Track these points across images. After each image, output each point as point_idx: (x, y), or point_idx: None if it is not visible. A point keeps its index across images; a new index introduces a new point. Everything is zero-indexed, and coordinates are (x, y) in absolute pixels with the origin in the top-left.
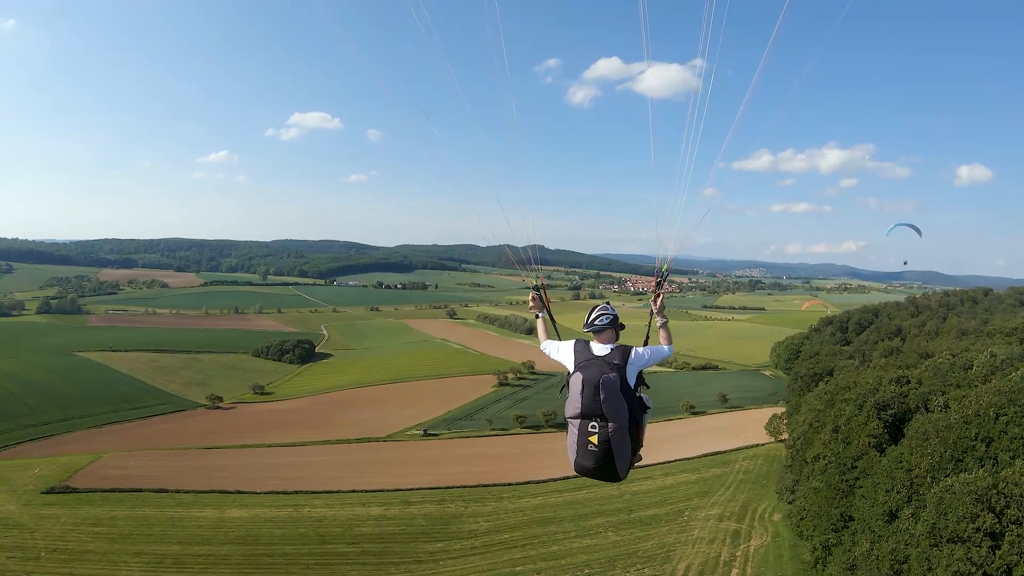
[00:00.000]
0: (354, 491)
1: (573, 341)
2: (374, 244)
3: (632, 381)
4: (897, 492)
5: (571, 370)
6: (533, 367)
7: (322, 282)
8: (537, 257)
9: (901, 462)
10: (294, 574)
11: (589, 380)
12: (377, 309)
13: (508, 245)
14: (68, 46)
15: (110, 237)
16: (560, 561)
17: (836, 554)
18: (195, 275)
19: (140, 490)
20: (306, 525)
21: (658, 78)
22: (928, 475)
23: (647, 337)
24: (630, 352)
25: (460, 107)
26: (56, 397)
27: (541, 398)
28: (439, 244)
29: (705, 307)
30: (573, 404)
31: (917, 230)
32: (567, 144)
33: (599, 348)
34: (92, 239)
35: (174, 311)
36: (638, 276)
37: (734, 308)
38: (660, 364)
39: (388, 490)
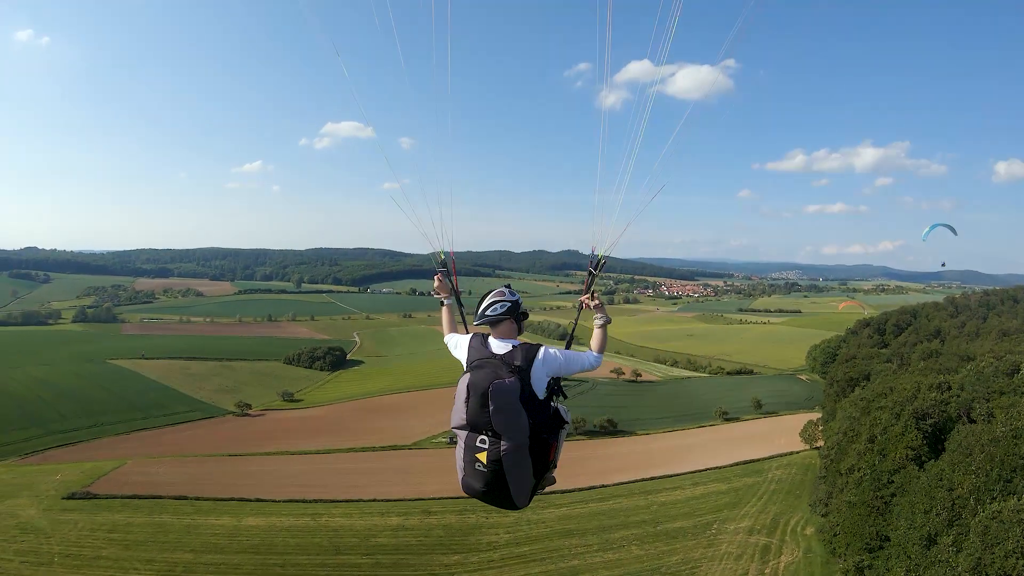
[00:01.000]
0: (374, 500)
1: (470, 336)
2: (408, 251)
3: (540, 390)
4: (937, 515)
5: (464, 367)
6: None
7: (356, 289)
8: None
9: (942, 480)
10: None
11: (476, 385)
12: (410, 316)
13: (542, 250)
14: (101, 61)
15: (146, 247)
16: None
17: (871, 573)
18: (230, 284)
19: (160, 497)
20: (322, 535)
21: (689, 79)
22: (972, 497)
23: (569, 341)
24: (536, 352)
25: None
26: (86, 403)
27: (571, 404)
28: (473, 251)
29: (740, 310)
30: (458, 412)
31: (952, 229)
32: (597, 149)
33: (497, 345)
34: (129, 249)
35: (208, 319)
36: (672, 280)
37: (770, 311)
38: (691, 370)
39: (409, 499)
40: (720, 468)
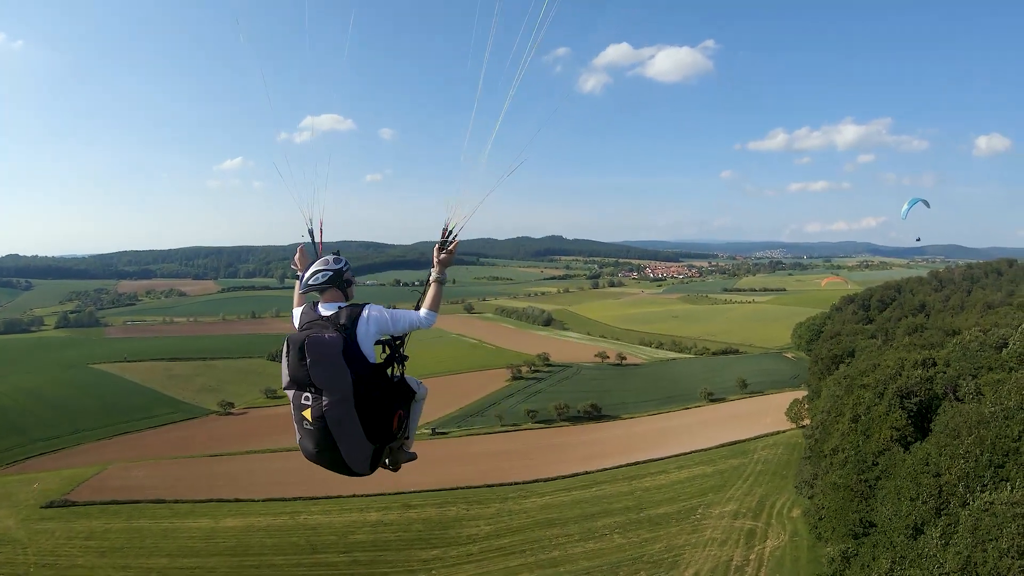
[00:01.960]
0: (354, 495)
1: (304, 305)
2: (391, 243)
3: (367, 348)
4: (923, 502)
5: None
6: (548, 359)
7: None
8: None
9: (928, 464)
10: None
11: (294, 340)
12: (394, 307)
13: (526, 236)
14: (76, 64)
15: (128, 249)
16: (559, 569)
17: (855, 566)
18: (213, 282)
19: (138, 501)
20: (299, 533)
21: (669, 62)
22: (961, 483)
23: (419, 302)
24: (361, 310)
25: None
26: (68, 410)
27: (555, 391)
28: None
29: (725, 290)
30: (283, 371)
31: (926, 203)
32: (580, 133)
33: (324, 308)
34: (110, 252)
35: (191, 319)
36: (657, 262)
37: (755, 290)
38: (676, 351)
39: (389, 493)
40: (705, 450)
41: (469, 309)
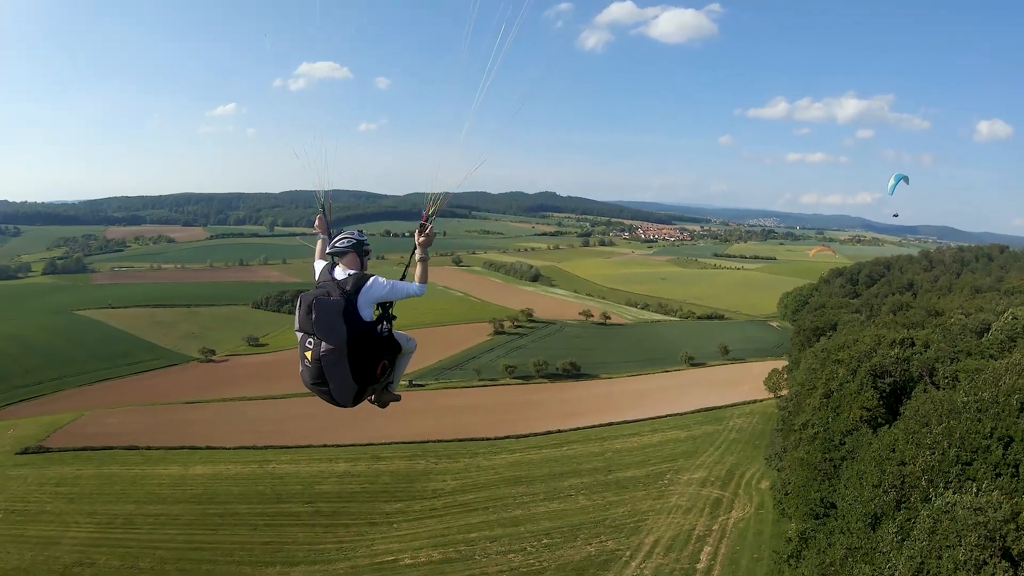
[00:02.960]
0: (325, 445)
1: (325, 262)
2: (384, 193)
3: (365, 311)
4: (885, 491)
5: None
6: (532, 315)
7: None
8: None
9: (894, 450)
10: (240, 535)
11: (306, 298)
12: (383, 257)
13: (519, 192)
14: (61, 7)
15: (119, 195)
16: (519, 528)
17: (811, 549)
18: (202, 229)
19: (111, 448)
20: (266, 482)
21: (673, 23)
22: (924, 477)
23: (404, 273)
24: (366, 280)
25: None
26: (51, 356)
27: (536, 347)
28: (449, 191)
29: (716, 255)
30: (296, 318)
31: (906, 179)
32: (580, 91)
33: (339, 272)
34: (100, 198)
35: (179, 265)
36: (649, 223)
37: (745, 257)
38: (662, 313)
39: (360, 444)
40: (680, 415)
41: (457, 262)
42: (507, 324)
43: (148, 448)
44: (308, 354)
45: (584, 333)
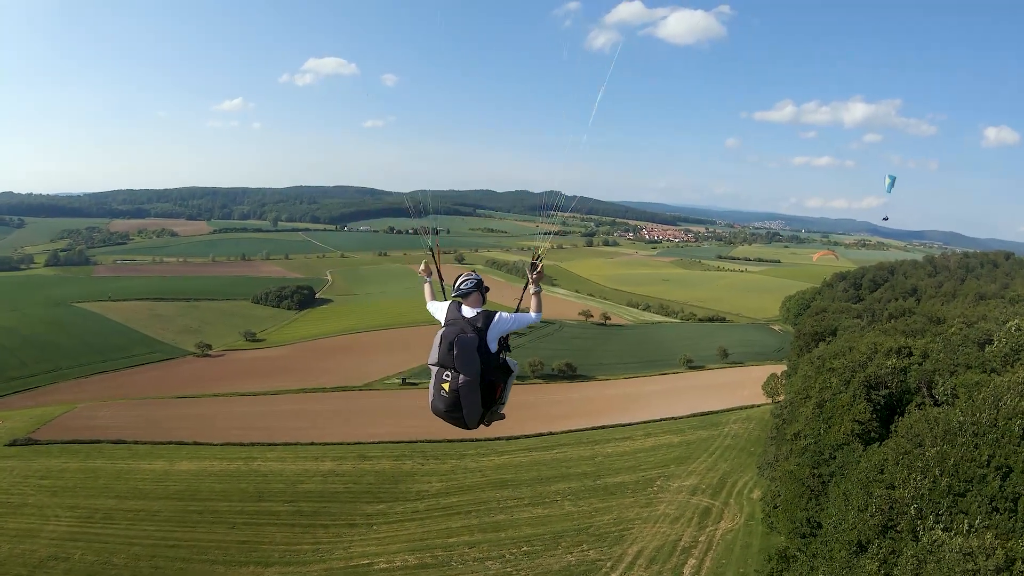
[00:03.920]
0: (312, 443)
1: (449, 302)
2: (389, 190)
3: (492, 344)
4: (871, 516)
5: (442, 325)
6: None
7: (333, 227)
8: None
9: (883, 472)
10: (217, 534)
11: (447, 336)
12: (385, 254)
13: (525, 190)
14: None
15: (123, 188)
16: (500, 534)
17: (794, 572)
18: (205, 223)
19: (99, 441)
20: (249, 480)
21: (682, 24)
22: (913, 505)
23: (519, 303)
24: (493, 316)
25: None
26: (48, 349)
27: (534, 347)
28: (455, 189)
29: (719, 257)
30: (432, 353)
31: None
32: (587, 91)
33: (467, 311)
34: (106, 191)
35: (181, 259)
36: (654, 224)
37: (749, 260)
38: (663, 315)
39: (348, 443)
40: (675, 419)
41: (460, 260)
42: None
43: (135, 442)
44: (446, 386)
45: (583, 333)
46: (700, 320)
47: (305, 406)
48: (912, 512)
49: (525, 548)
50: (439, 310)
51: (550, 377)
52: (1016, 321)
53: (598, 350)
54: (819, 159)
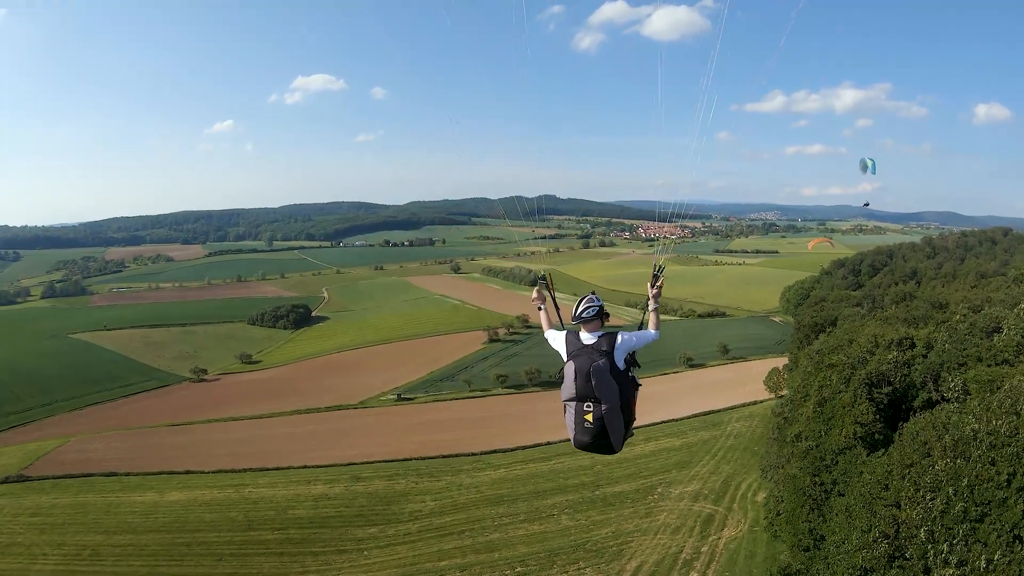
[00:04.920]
0: (305, 466)
1: (565, 332)
2: (383, 203)
3: (621, 364)
4: (875, 540)
5: (564, 359)
6: (527, 320)
7: (328, 244)
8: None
9: (888, 488)
10: (204, 567)
11: (580, 369)
12: (381, 268)
13: (519, 195)
14: (60, 31)
15: (118, 216)
16: (494, 554)
17: None
18: (201, 246)
19: (91, 475)
20: (239, 508)
21: (666, 20)
22: (923, 527)
23: (641, 323)
24: (616, 338)
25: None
26: (43, 381)
27: (530, 354)
28: (449, 199)
29: (717, 251)
30: (568, 389)
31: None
32: (576, 93)
33: (587, 337)
34: (100, 220)
35: (177, 284)
36: (649, 222)
37: (747, 252)
38: (662, 313)
39: (341, 464)
40: (676, 421)
41: (456, 269)
42: (502, 331)
43: (127, 474)
44: (588, 417)
45: None
46: (699, 316)
47: (299, 428)
48: (922, 536)
49: (519, 569)
50: (557, 340)
51: (548, 384)
52: None
53: None
54: (812, 147)
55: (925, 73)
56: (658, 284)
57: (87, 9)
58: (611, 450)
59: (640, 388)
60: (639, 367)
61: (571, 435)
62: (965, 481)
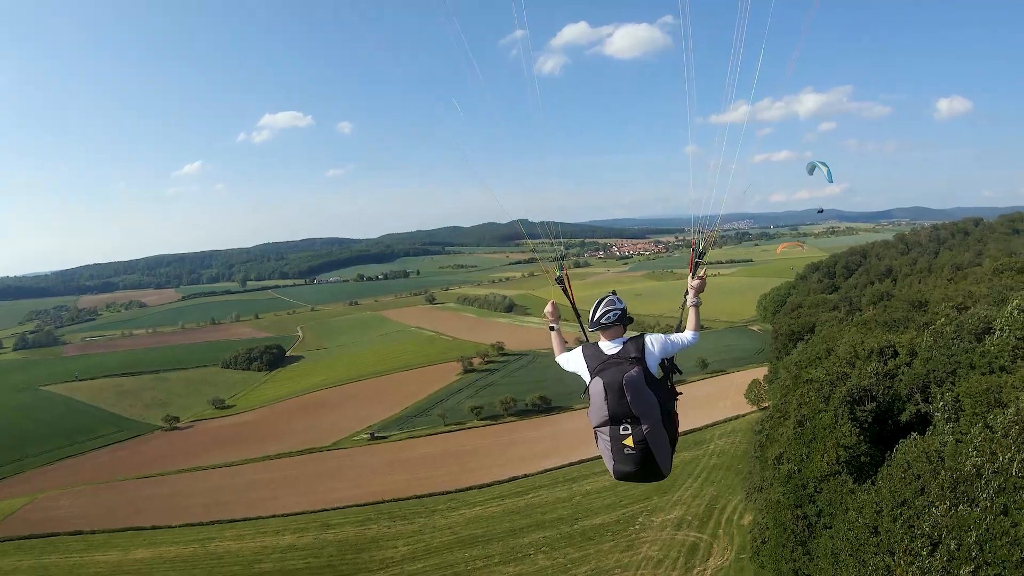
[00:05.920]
0: (273, 516)
1: (580, 347)
2: (356, 237)
3: (655, 372)
4: None
5: (587, 378)
6: (503, 348)
7: (302, 282)
8: (555, 231)
9: (877, 531)
10: None
11: (611, 383)
12: (356, 303)
13: (492, 222)
14: (22, 82)
15: (91, 263)
16: None
17: None
18: (174, 290)
19: (55, 534)
20: (203, 565)
21: (628, 39)
22: None
23: (679, 324)
24: (643, 341)
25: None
26: (14, 437)
27: (507, 383)
28: (423, 229)
29: None
30: (599, 411)
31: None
32: (542, 115)
33: (608, 346)
34: (72, 268)
35: (150, 330)
36: (624, 240)
37: (721, 262)
38: (639, 330)
39: (310, 512)
40: None
41: (431, 300)
42: (477, 361)
43: (92, 532)
44: (628, 441)
45: (557, 363)
46: (676, 330)
47: (269, 474)
48: None
49: None
50: (572, 360)
51: (524, 413)
52: (1016, 302)
53: (572, 378)
54: (778, 154)
55: (885, 72)
56: (700, 274)
57: (48, 58)
58: (660, 476)
59: (680, 396)
60: (680, 373)
61: (609, 466)
62: (973, 536)
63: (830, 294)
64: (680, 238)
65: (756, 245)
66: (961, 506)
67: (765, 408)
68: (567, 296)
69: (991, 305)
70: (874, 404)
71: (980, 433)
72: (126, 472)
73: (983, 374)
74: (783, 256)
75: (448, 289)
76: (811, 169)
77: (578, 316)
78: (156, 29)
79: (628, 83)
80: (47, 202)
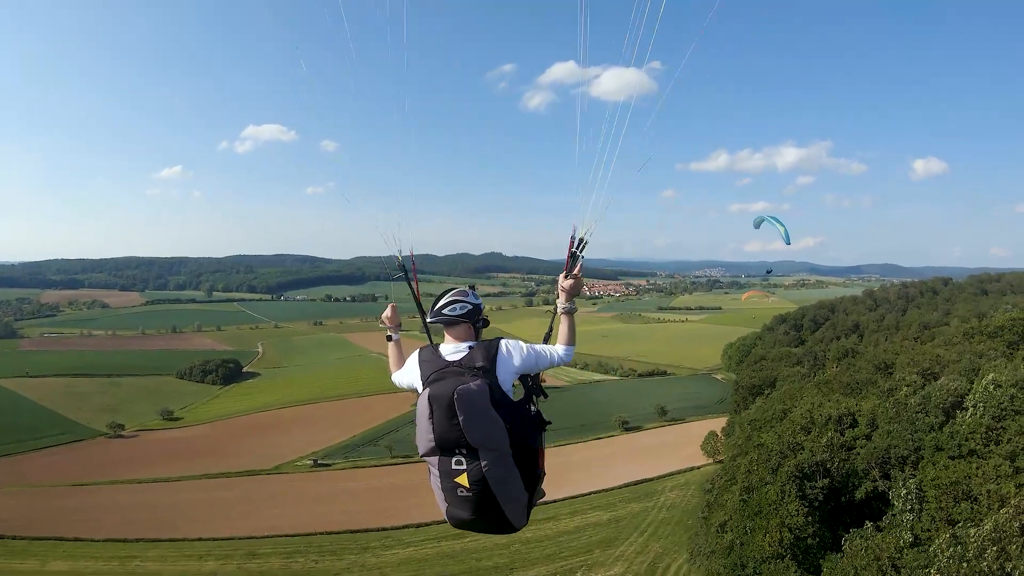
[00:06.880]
0: (200, 539)
1: (416, 352)
2: (329, 257)
3: (509, 388)
4: None
5: (419, 389)
6: None
7: (269, 297)
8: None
9: None
10: None
11: (437, 397)
12: (320, 324)
13: (466, 253)
14: (5, 68)
15: (59, 257)
16: None
17: None
18: (139, 294)
19: None
20: None
21: (616, 82)
22: None
23: (548, 332)
24: (497, 347)
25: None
26: None
27: None
28: (395, 255)
29: (660, 308)
30: (423, 435)
31: (758, 223)
32: (523, 151)
33: (450, 350)
34: (39, 260)
35: (110, 332)
36: (595, 280)
37: (690, 309)
38: (602, 373)
39: (239, 537)
40: (606, 491)
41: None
42: None
43: (13, 538)
44: (462, 479)
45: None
46: (640, 376)
47: (206, 493)
48: None
49: None
50: (405, 369)
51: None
52: (992, 375)
53: None
54: (755, 204)
55: (864, 130)
56: (575, 271)
57: (35, 46)
58: (507, 527)
59: (548, 427)
60: (544, 396)
61: (442, 508)
62: None
63: (796, 347)
64: (651, 282)
65: (726, 293)
66: None
67: (720, 462)
68: (411, 291)
69: (961, 374)
70: (827, 480)
71: (948, 549)
72: (60, 478)
73: (951, 458)
74: (749, 305)
75: (414, 317)
76: (758, 223)
77: (421, 310)
78: (148, 26)
79: (611, 125)
80: (21, 190)
